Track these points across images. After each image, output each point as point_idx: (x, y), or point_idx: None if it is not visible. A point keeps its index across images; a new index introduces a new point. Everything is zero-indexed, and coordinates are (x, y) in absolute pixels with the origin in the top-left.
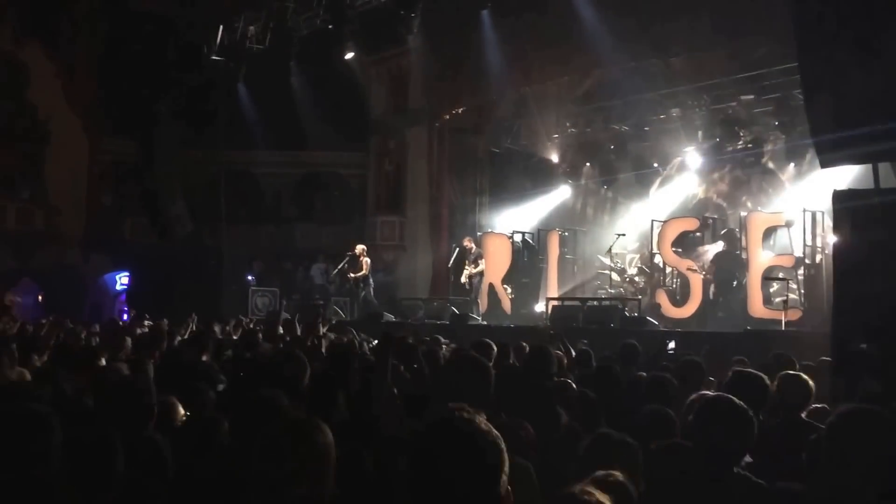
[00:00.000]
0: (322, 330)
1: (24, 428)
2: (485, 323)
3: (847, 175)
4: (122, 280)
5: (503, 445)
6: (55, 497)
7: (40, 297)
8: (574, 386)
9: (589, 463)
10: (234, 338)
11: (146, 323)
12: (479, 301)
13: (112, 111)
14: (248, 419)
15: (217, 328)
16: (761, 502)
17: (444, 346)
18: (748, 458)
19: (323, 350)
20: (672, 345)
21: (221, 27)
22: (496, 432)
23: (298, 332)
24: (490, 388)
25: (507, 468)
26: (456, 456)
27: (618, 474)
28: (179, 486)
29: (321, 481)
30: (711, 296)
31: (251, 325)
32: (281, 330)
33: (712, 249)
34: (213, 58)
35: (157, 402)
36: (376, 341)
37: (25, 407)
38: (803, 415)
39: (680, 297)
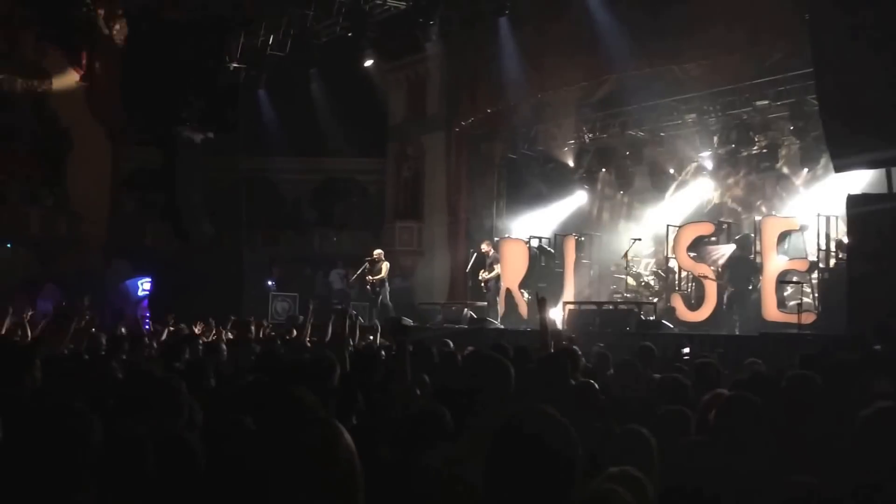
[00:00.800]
0: (356, 334)
1: (64, 426)
2: (502, 327)
3: (861, 180)
4: (144, 286)
5: (577, 439)
6: (90, 495)
7: (64, 303)
8: (595, 386)
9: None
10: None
11: (169, 327)
12: (496, 305)
13: (134, 118)
14: (274, 417)
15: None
16: (778, 495)
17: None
18: (761, 453)
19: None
20: (687, 350)
21: (242, 34)
22: (571, 427)
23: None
24: (510, 388)
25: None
26: (541, 449)
27: (632, 469)
28: (209, 485)
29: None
30: (726, 300)
31: (269, 331)
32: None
33: (724, 249)
34: (234, 65)
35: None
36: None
37: (65, 405)
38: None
39: (695, 301)
